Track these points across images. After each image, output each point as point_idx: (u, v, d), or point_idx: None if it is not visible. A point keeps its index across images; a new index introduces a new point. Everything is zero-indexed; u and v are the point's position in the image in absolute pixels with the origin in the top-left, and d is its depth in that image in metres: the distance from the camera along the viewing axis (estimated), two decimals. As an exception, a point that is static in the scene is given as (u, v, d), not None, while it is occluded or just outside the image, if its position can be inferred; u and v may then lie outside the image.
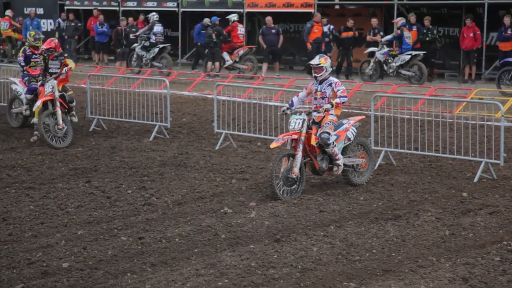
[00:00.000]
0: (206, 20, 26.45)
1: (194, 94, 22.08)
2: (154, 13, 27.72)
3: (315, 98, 11.77)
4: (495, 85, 21.52)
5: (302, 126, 11.40)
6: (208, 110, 19.18)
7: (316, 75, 11.72)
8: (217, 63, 26.11)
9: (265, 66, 26.12)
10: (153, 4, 30.03)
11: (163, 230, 9.63)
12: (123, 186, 11.92)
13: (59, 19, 30.98)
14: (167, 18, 30.47)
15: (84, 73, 18.02)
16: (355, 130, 12.05)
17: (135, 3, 30.52)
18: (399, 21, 24.06)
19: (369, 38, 25.30)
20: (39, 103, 15.25)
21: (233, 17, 26.53)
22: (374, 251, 8.91)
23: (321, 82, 11.76)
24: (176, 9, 29.48)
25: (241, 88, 18.61)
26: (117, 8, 30.94)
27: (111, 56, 30.31)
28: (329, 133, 11.48)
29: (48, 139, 14.85)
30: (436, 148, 13.31)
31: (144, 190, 11.68)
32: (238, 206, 10.79)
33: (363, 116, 12.95)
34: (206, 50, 26.53)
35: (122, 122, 17.29)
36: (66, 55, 15.86)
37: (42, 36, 16.86)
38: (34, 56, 16.32)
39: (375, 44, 24.73)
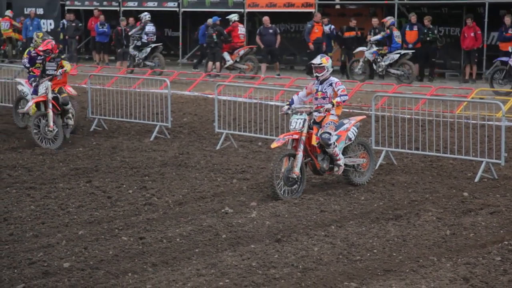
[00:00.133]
0: (210, 21, 26.47)
1: (195, 94, 22.09)
2: (146, 13, 27.90)
3: (316, 98, 11.77)
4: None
5: (303, 126, 11.40)
6: (209, 110, 19.18)
7: (318, 74, 11.72)
8: (217, 63, 26.11)
9: (263, 66, 26.11)
10: (154, 4, 30.03)
11: (164, 230, 9.63)
12: (124, 186, 11.92)
13: (64, 20, 31.00)
14: (167, 18, 30.49)
15: (85, 73, 18.00)
16: (356, 130, 12.04)
17: (136, 3, 30.51)
18: (388, 20, 24.23)
19: (369, 37, 25.32)
20: (31, 103, 15.22)
21: (234, 17, 26.54)
22: (375, 251, 8.91)
23: (321, 82, 11.76)
24: (177, 9, 29.48)
25: (242, 88, 18.61)
26: (117, 8, 30.93)
27: (111, 56, 30.32)
28: (330, 133, 11.48)
29: (37, 140, 14.73)
30: (437, 148, 13.31)
31: (145, 190, 11.68)
32: (239, 206, 10.79)
33: (364, 116, 12.94)
34: (207, 50, 26.57)
35: (123, 122, 17.29)
36: (63, 56, 15.75)
37: (50, 37, 16.82)
38: (39, 57, 16.24)
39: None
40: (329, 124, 11.53)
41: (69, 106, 15.45)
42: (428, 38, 24.09)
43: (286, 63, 29.19)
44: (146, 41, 27.24)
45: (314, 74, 11.80)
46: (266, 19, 26.22)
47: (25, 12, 32.58)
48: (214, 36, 25.87)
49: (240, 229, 9.71)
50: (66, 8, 32.16)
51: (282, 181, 11.21)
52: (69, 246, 9.03)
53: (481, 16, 24.16)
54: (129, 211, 10.60)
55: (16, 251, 8.88)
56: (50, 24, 32.84)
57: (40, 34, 16.48)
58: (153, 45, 27.25)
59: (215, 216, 10.27)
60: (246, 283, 7.89)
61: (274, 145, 11.38)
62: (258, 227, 9.81)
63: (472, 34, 23.57)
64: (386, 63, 23.88)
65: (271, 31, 26.11)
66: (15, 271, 8.26)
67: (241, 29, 26.57)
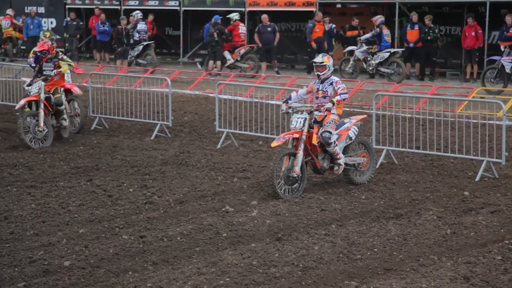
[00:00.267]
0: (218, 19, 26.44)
1: (196, 92, 22.09)
2: (137, 11, 27.99)
3: (317, 97, 11.77)
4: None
5: (304, 125, 11.40)
6: (209, 109, 19.18)
7: (319, 73, 11.72)
8: (218, 62, 26.10)
9: (264, 65, 26.10)
10: (155, 2, 30.03)
11: (165, 229, 9.63)
12: (125, 184, 11.93)
13: (68, 18, 31.01)
14: (168, 17, 30.48)
15: (86, 72, 17.99)
16: (357, 129, 12.04)
17: (137, 2, 30.50)
18: (377, 19, 24.34)
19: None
20: (22, 102, 15.19)
21: (235, 16, 26.53)
22: (375, 250, 8.91)
23: (322, 81, 11.76)
24: (178, 8, 29.48)
25: (242, 86, 18.61)
26: (118, 7, 30.93)
27: (112, 55, 30.31)
28: (330, 132, 11.48)
29: (26, 139, 14.61)
30: (438, 147, 13.30)
31: (145, 188, 11.68)
32: (240, 205, 10.80)
33: (365, 115, 12.94)
34: (208, 49, 26.59)
35: (123, 121, 17.30)
36: (60, 57, 15.63)
37: (57, 36, 16.78)
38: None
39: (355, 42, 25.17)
40: (329, 123, 11.53)
41: (63, 107, 15.31)
42: (429, 37, 24.08)
43: (287, 62, 29.17)
44: (138, 39, 27.34)
45: (316, 73, 11.79)
46: (264, 17, 26.22)
47: (26, 11, 32.58)
48: (215, 35, 25.85)
49: (241, 227, 9.71)
50: (67, 6, 32.16)
51: (282, 180, 11.21)
52: (70, 244, 9.03)
53: (482, 15, 24.14)
54: (129, 209, 10.61)
55: (16, 250, 8.88)
56: (52, 22, 32.84)
57: (48, 34, 16.37)
58: (145, 43, 27.33)
59: (215, 214, 10.28)
60: (247, 281, 7.89)
61: (274, 144, 11.38)
62: (258, 226, 9.81)
63: (473, 33, 23.55)
64: (376, 61, 24.08)
65: (269, 29, 26.10)
66: (16, 269, 8.27)
67: (242, 28, 26.56)
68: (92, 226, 9.83)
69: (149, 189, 11.62)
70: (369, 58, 24.19)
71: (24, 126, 14.68)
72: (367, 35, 24.47)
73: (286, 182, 11.24)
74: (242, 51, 26.13)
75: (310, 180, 12.14)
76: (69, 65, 16.03)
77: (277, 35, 26.23)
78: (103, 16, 30.07)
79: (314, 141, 11.51)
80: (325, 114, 11.58)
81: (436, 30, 24.34)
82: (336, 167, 11.68)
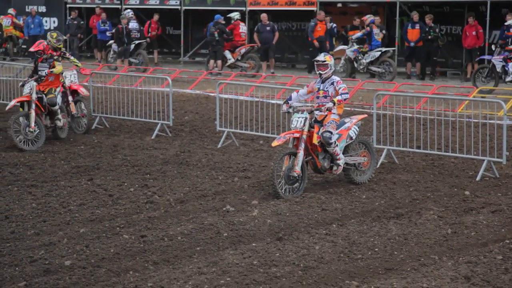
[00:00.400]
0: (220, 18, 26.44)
1: (197, 92, 22.08)
2: (128, 10, 27.98)
3: (318, 97, 11.77)
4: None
5: (304, 124, 11.40)
6: (210, 108, 19.18)
7: (321, 72, 11.71)
8: (219, 61, 26.11)
9: (264, 65, 26.10)
10: (156, 2, 30.04)
11: (165, 228, 9.63)
12: (126, 184, 11.93)
13: (69, 18, 31.01)
14: (169, 16, 30.48)
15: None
16: (357, 129, 12.04)
17: (138, 1, 30.52)
18: (367, 18, 24.45)
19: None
20: (13, 102, 15.12)
21: (235, 15, 26.54)
22: (376, 249, 8.91)
23: (323, 81, 11.76)
24: (179, 7, 29.49)
25: (243, 86, 18.61)
26: (119, 6, 30.93)
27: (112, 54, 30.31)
28: (331, 132, 11.48)
29: (16, 140, 14.43)
30: (439, 146, 13.30)
31: (146, 188, 11.68)
32: (240, 204, 10.80)
33: (365, 115, 12.94)
34: (209, 48, 26.60)
35: (124, 120, 17.30)
36: (55, 57, 15.48)
37: (64, 37, 16.72)
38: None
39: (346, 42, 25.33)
40: (330, 123, 11.53)
41: (57, 107, 15.18)
42: (429, 37, 24.09)
43: (287, 61, 29.18)
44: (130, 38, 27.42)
45: (317, 72, 11.79)
46: (264, 16, 26.22)
47: (27, 10, 32.57)
48: (216, 34, 25.86)
49: (242, 227, 9.71)
50: (68, 6, 32.16)
51: (283, 179, 11.21)
52: (71, 244, 9.03)
53: (483, 14, 24.15)
54: (130, 209, 10.61)
55: (17, 249, 8.88)
56: (54, 22, 32.85)
57: (55, 35, 16.24)
58: (136, 42, 27.36)
59: (216, 214, 10.27)
60: (247, 281, 7.89)
61: (275, 143, 11.38)
62: (259, 225, 9.81)
63: (473, 33, 23.56)
64: (367, 60, 24.24)
65: (268, 28, 26.10)
66: (17, 269, 8.27)
67: (243, 28, 26.56)
68: (93, 225, 9.83)
69: (150, 189, 11.62)
70: (360, 57, 24.32)
71: (15, 126, 14.50)
72: (358, 34, 24.68)
73: (287, 182, 11.24)
74: (243, 50, 26.14)
75: (311, 180, 12.14)
76: (76, 65, 16.03)
77: (276, 34, 26.22)
78: (104, 15, 30.09)
79: (315, 140, 11.51)
80: (326, 113, 11.58)
81: (437, 30, 24.36)
82: (334, 168, 11.68)
